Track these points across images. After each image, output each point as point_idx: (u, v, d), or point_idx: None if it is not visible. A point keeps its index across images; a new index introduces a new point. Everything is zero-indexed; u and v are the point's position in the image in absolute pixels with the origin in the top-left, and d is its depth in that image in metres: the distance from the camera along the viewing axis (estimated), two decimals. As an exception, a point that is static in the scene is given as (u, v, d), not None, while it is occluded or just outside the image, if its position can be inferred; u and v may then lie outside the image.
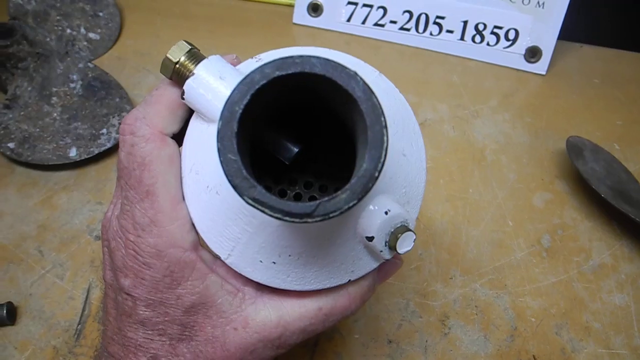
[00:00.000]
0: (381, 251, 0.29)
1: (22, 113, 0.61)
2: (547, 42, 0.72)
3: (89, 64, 0.66)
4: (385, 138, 0.23)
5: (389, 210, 0.29)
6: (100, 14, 0.73)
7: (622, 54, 0.78)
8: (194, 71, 0.30)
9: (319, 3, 0.76)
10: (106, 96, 0.64)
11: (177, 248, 0.30)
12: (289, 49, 0.34)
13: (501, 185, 0.62)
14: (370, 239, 0.29)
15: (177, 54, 0.31)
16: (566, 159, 0.63)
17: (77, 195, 0.58)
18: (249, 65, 0.33)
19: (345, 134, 0.34)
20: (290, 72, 0.24)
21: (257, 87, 0.24)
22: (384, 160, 0.23)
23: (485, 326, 0.51)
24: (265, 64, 0.24)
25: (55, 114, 0.62)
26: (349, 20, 0.77)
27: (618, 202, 0.56)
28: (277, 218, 0.23)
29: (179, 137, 0.33)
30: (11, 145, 0.59)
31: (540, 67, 0.74)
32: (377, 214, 0.29)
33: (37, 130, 0.60)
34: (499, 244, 0.57)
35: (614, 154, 0.64)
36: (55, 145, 0.60)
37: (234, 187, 0.23)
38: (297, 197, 0.41)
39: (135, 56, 0.72)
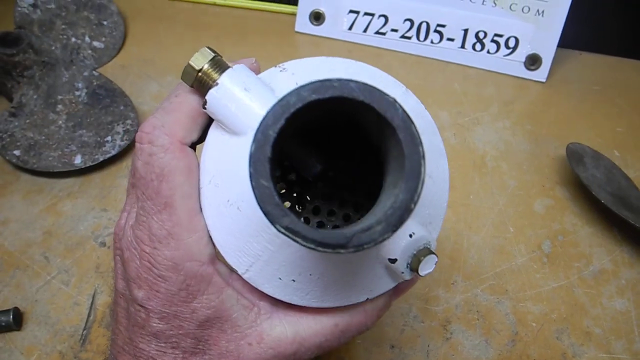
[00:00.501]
0: (402, 272, 0.29)
1: (27, 121, 0.62)
2: (547, 50, 0.73)
3: (93, 72, 0.67)
4: (422, 169, 0.23)
5: (414, 234, 0.29)
6: (105, 22, 0.74)
7: (622, 61, 0.79)
8: (218, 81, 0.29)
9: (320, 12, 0.77)
10: (111, 104, 0.64)
11: (194, 262, 0.30)
12: (317, 59, 0.33)
13: (502, 192, 0.62)
14: (393, 261, 0.29)
15: (201, 61, 0.30)
16: (566, 165, 0.63)
17: (82, 202, 0.59)
18: (272, 75, 0.32)
19: (372, 155, 0.33)
20: (328, 96, 0.23)
21: (292, 110, 0.23)
22: (420, 192, 0.23)
23: (486, 331, 0.52)
24: (302, 87, 0.23)
25: (60, 122, 0.62)
26: (350, 28, 0.77)
27: (618, 208, 0.56)
28: (309, 248, 0.23)
29: (196, 145, 0.32)
30: (17, 152, 0.60)
31: (541, 74, 0.75)
32: (401, 236, 0.29)
33: (43, 137, 0.61)
34: (500, 250, 0.57)
35: (614, 161, 0.64)
36: (60, 152, 0.60)
37: (266, 214, 0.23)
38: (320, 225, 0.40)
39: (139, 64, 0.73)
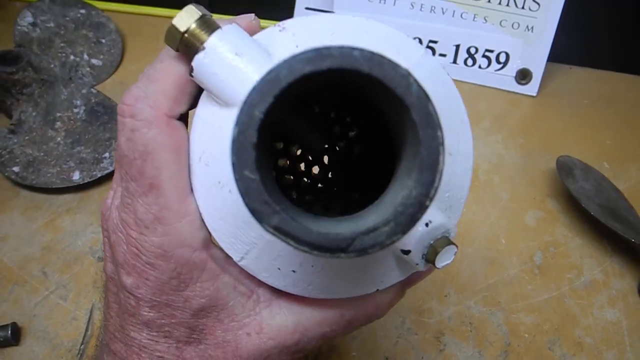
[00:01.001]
0: (417, 264, 0.26)
1: (26, 137, 0.63)
2: (537, 65, 0.75)
3: (92, 89, 0.68)
4: (441, 158, 0.20)
5: (431, 222, 0.25)
6: (103, 40, 0.75)
7: (611, 75, 0.81)
8: (205, 44, 0.25)
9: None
10: (109, 121, 0.65)
11: (185, 248, 0.27)
12: (322, 16, 0.28)
13: (494, 205, 0.63)
14: (407, 252, 0.25)
15: (186, 21, 0.25)
16: (557, 178, 0.64)
17: (80, 217, 0.60)
18: (271, 35, 0.27)
19: (386, 134, 0.28)
20: (325, 68, 0.20)
21: (283, 86, 0.20)
22: (437, 186, 0.20)
23: (479, 342, 0.52)
24: (294, 56, 0.20)
25: (59, 139, 0.63)
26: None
27: (608, 219, 0.57)
28: (303, 251, 0.20)
29: (186, 116, 0.29)
30: (16, 169, 0.60)
31: (531, 88, 0.76)
32: (417, 225, 0.25)
33: (42, 154, 0.62)
34: (492, 262, 0.58)
35: (604, 173, 0.65)
36: (59, 169, 0.61)
37: (252, 212, 0.20)
38: (327, 209, 0.36)
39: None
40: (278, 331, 0.29)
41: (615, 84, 0.79)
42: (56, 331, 0.51)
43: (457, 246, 0.25)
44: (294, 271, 0.27)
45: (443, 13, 0.75)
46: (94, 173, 0.61)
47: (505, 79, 0.76)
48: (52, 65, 0.69)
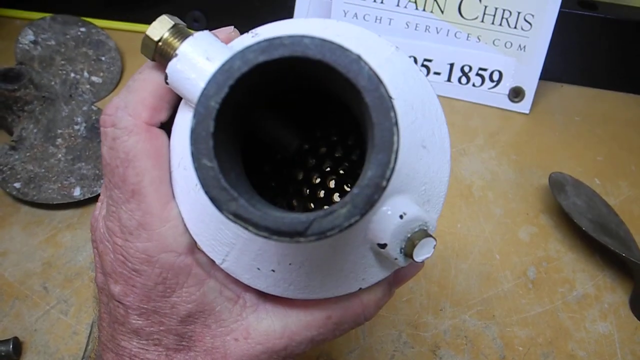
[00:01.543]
0: (396, 259, 0.26)
1: (27, 154, 0.63)
2: (530, 83, 0.76)
3: (92, 106, 0.69)
4: (395, 138, 0.19)
5: (405, 214, 0.25)
6: (103, 58, 0.76)
7: (601, 92, 0.82)
8: (178, 51, 0.26)
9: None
10: (109, 137, 0.66)
11: (169, 253, 0.28)
12: (293, 21, 0.29)
13: (488, 220, 0.65)
14: (383, 246, 0.25)
15: (159, 30, 0.26)
16: (549, 194, 0.66)
17: (81, 233, 0.60)
18: (244, 41, 0.28)
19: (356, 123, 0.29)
20: (276, 56, 0.20)
21: (236, 76, 0.20)
22: (393, 167, 0.20)
23: (474, 355, 0.53)
24: (247, 48, 0.20)
25: (60, 155, 0.64)
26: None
27: (599, 234, 0.59)
28: (263, 237, 0.20)
29: (169, 126, 0.29)
30: (17, 185, 0.61)
31: (524, 106, 0.78)
32: (391, 217, 0.25)
33: (43, 170, 0.63)
34: (486, 277, 0.59)
35: (595, 189, 0.67)
36: (59, 185, 0.62)
37: (211, 199, 0.20)
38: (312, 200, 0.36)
39: (136, 98, 0.75)
40: (266, 336, 0.29)
41: (605, 102, 0.81)
42: (57, 346, 0.52)
43: (435, 239, 0.25)
44: (273, 270, 0.27)
45: (437, 32, 0.76)
46: (95, 189, 0.62)
47: (498, 97, 0.78)
48: (52, 83, 0.70)
